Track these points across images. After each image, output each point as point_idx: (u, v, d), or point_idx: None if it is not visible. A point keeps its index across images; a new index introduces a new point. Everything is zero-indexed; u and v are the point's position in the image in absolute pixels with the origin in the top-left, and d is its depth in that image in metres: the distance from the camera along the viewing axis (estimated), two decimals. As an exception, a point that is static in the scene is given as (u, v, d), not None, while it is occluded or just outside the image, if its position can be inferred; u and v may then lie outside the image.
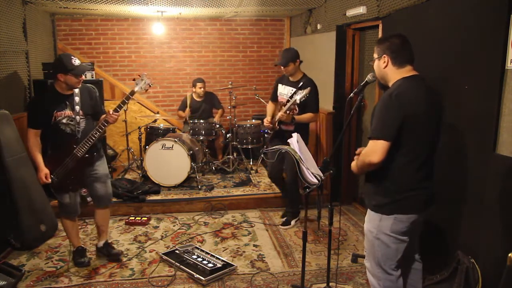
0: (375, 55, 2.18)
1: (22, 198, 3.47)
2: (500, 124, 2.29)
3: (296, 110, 3.77)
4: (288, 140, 2.59)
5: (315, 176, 2.42)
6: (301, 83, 3.75)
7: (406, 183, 2.08)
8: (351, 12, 4.06)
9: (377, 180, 2.14)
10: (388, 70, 2.13)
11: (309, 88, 3.52)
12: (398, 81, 2.08)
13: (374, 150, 2.00)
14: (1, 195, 3.40)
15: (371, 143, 2.03)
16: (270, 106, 4.15)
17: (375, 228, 2.16)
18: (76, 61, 2.92)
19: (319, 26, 5.07)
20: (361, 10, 3.85)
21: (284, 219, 4.16)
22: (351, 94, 2.57)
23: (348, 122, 2.54)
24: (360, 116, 4.52)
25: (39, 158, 2.98)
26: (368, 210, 2.23)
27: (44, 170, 2.97)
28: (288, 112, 3.69)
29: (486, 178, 2.38)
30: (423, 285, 2.50)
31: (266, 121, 3.96)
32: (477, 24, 2.46)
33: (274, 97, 4.10)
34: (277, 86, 4.04)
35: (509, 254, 1.85)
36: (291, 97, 3.70)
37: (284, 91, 3.92)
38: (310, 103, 3.71)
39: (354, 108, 2.46)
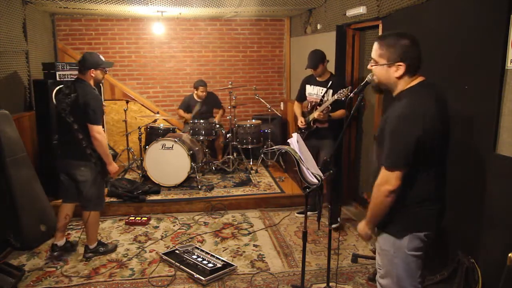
0: (383, 61, 1.86)
1: (22, 198, 3.46)
2: (500, 124, 2.29)
3: (329, 107, 3.86)
4: (288, 140, 2.60)
5: (315, 176, 2.42)
6: (331, 82, 3.90)
7: (419, 200, 1.89)
8: (351, 12, 4.06)
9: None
10: (401, 80, 1.86)
11: (350, 87, 3.62)
12: (404, 93, 1.84)
13: (389, 179, 1.80)
14: (1, 195, 3.40)
15: (385, 172, 1.81)
16: (298, 107, 4.29)
17: (391, 247, 1.95)
18: (102, 57, 3.24)
19: (319, 26, 5.07)
20: (361, 10, 3.85)
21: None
22: (351, 94, 2.56)
23: (348, 122, 2.53)
24: (360, 116, 4.51)
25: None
26: (378, 230, 2.01)
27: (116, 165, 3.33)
28: (324, 111, 3.81)
29: (486, 178, 2.38)
30: (423, 285, 2.49)
31: (300, 122, 4.10)
32: (477, 24, 2.46)
33: (302, 98, 4.24)
34: (304, 86, 4.18)
35: (509, 254, 1.85)
36: (323, 96, 3.90)
37: (313, 91, 4.07)
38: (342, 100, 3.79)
39: (354, 108, 2.45)
